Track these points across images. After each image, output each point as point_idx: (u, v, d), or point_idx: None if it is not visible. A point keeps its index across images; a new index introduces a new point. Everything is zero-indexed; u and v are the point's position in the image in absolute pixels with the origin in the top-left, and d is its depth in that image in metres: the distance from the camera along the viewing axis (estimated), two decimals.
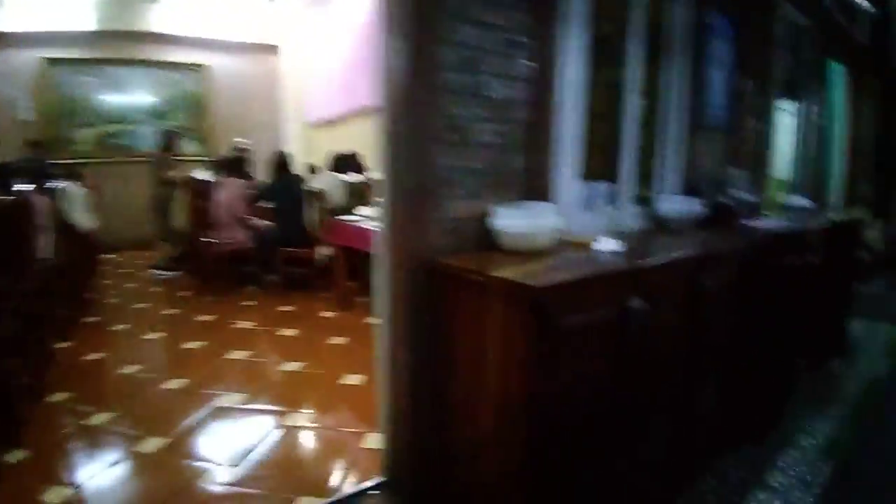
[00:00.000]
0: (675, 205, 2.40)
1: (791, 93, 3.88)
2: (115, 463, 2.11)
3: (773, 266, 2.22)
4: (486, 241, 1.77)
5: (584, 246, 1.81)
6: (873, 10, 5.72)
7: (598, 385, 1.53)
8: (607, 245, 1.79)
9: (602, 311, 1.49)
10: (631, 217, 2.38)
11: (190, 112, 7.45)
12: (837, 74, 5.31)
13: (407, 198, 1.66)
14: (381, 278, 1.78)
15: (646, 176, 2.59)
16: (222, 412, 2.55)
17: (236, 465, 2.10)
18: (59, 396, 2.65)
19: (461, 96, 1.73)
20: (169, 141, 5.57)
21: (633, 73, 2.44)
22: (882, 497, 2.10)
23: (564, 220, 1.91)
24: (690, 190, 2.63)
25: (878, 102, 6.59)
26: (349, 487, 1.98)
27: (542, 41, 1.93)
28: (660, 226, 2.39)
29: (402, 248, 1.68)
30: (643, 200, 2.53)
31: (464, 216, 1.76)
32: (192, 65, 7.35)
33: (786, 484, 2.15)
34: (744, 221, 2.43)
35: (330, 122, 6.37)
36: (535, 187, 1.95)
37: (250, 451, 2.21)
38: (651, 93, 2.58)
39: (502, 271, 1.45)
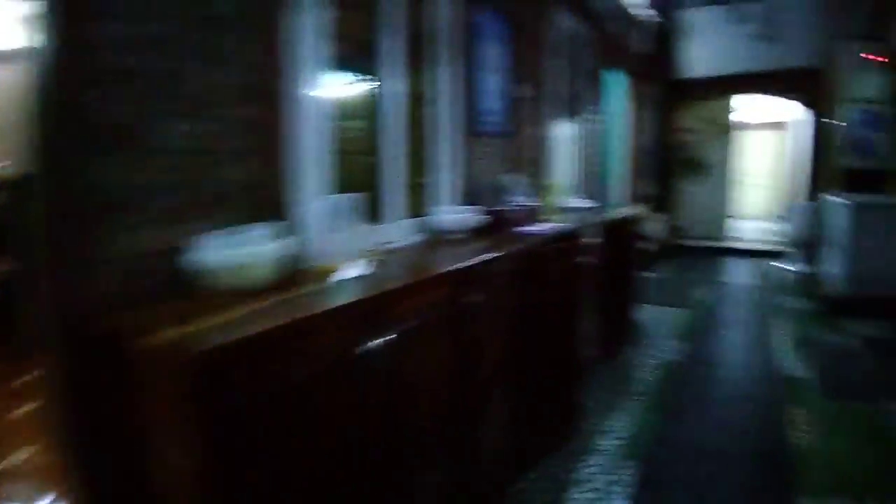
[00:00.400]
0: (449, 215, 2.21)
1: (572, 99, 4.06)
2: None
3: (550, 267, 2.13)
4: (189, 282, 1.34)
5: (326, 274, 1.48)
6: (657, 20, 6.43)
7: (334, 453, 1.20)
8: (352, 270, 1.48)
9: (328, 358, 1.17)
10: (399, 232, 2.13)
11: None
12: (619, 82, 5.83)
13: (58, 229, 1.17)
14: (33, 345, 1.25)
15: (419, 186, 2.37)
16: None
17: None
18: None
19: (135, 85, 1.28)
20: None
21: (393, 70, 2.20)
22: (690, 495, 2.09)
23: (305, 244, 1.57)
24: (469, 199, 2.48)
25: (659, 108, 7.43)
26: None
27: (264, 15, 1.57)
28: (434, 239, 2.18)
29: (53, 302, 1.18)
30: (417, 212, 2.31)
31: (153, 251, 1.31)
32: None
33: (591, 498, 2.05)
34: (520, 227, 2.33)
35: None
36: (265, 205, 1.58)
37: None
38: (421, 96, 2.37)
39: (182, 328, 1.04)
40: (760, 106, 9.59)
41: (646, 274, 6.00)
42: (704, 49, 7.22)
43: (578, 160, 4.26)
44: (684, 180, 7.25)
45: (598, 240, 2.80)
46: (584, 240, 2.51)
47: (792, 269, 6.14)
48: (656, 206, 7.30)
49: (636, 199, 6.19)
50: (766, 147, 10.95)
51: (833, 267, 4.58)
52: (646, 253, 6.41)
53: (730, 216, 8.63)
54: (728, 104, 8.29)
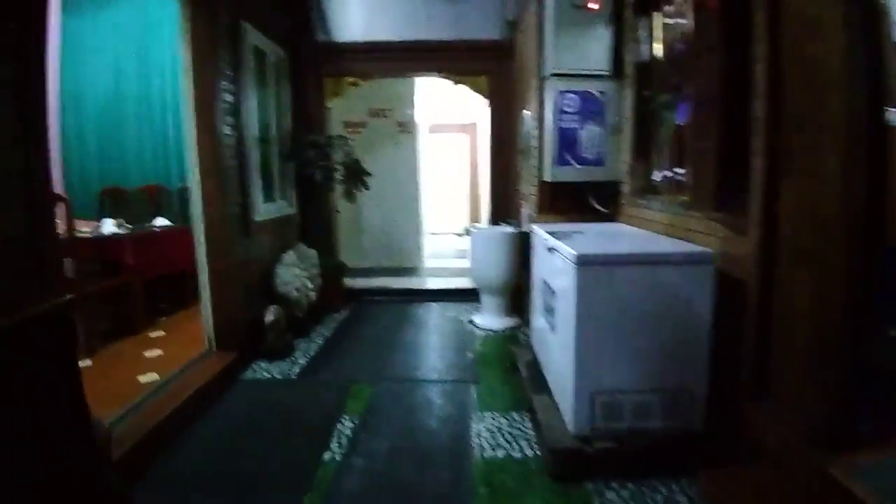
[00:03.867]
0: None
1: None
2: None
3: None
4: None
5: None
6: None
7: None
8: None
9: None
10: None
11: None
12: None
13: None
14: None
15: None
16: None
17: None
18: None
19: None
20: None
21: None
22: None
23: None
24: None
25: (294, 83, 4.77)
26: None
27: None
28: None
29: None
30: None
31: None
32: None
33: None
34: None
35: None
36: None
37: None
38: None
39: None
40: (448, 101, 8.03)
41: (263, 372, 3.10)
42: (363, 3, 4.85)
43: None
44: (345, 194, 4.73)
45: None
46: None
47: (492, 326, 4.19)
48: (300, 237, 4.63)
49: (224, 225, 3.33)
50: (456, 153, 9.60)
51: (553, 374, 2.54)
52: (274, 329, 3.65)
53: (424, 236, 6.66)
54: (409, 93, 6.24)
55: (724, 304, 2.15)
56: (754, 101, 1.99)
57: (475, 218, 9.04)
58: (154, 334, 3.89)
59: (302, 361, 3.55)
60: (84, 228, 4.09)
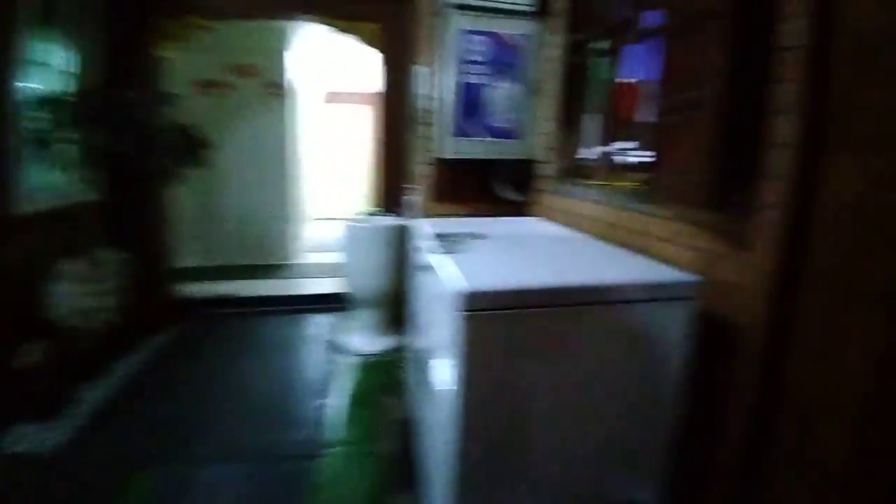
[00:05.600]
0: None
1: None
2: None
3: None
4: None
5: None
6: None
7: None
8: None
9: None
10: None
11: None
12: None
13: None
14: None
15: None
16: None
17: None
18: None
19: None
20: None
21: None
22: None
23: None
24: None
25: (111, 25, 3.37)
26: None
27: None
28: None
29: None
30: None
31: None
32: None
33: None
34: None
35: None
36: None
37: None
38: None
39: None
40: (350, 67, 6.89)
41: (22, 441, 2.07)
42: None
43: None
44: (162, 174, 3.43)
45: None
46: None
47: (364, 348, 3.18)
48: (110, 234, 3.30)
49: None
50: (358, 125, 8.41)
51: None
52: (31, 375, 2.35)
53: (297, 225, 5.49)
54: (280, 45, 4.99)
55: (703, 368, 1.31)
56: (782, 22, 1.13)
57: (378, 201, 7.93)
58: None
59: (81, 421, 2.33)
60: None
